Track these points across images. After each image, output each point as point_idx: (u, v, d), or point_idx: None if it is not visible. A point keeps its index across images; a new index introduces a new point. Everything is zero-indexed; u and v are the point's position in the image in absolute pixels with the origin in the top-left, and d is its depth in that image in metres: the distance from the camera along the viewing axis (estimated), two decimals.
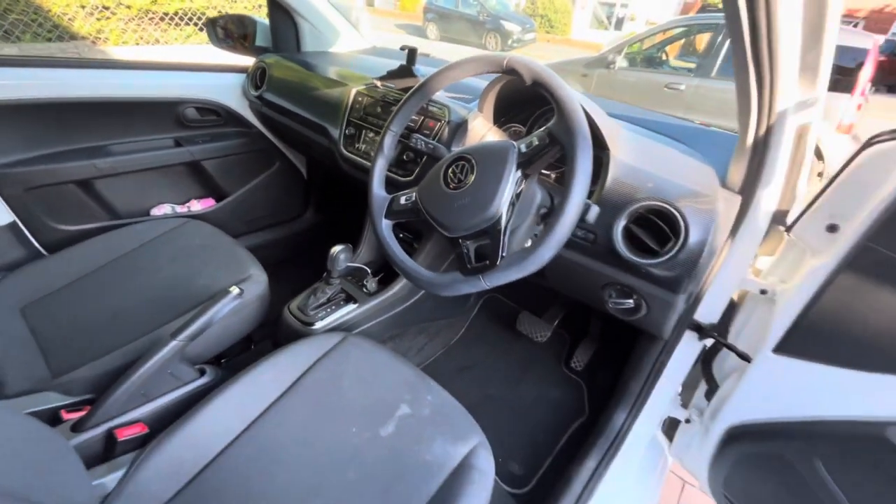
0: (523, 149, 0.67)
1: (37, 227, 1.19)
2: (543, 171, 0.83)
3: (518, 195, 0.68)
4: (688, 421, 0.98)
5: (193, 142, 1.40)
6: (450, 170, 0.71)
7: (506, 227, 0.65)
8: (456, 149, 0.84)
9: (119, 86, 1.23)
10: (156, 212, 1.41)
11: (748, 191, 0.72)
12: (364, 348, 0.88)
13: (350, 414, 0.77)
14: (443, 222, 0.69)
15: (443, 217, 0.69)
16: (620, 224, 0.72)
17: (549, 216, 0.72)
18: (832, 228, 0.67)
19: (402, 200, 0.78)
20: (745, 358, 0.79)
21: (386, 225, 0.80)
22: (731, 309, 0.85)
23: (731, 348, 0.82)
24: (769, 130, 0.66)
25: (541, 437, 1.19)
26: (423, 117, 0.97)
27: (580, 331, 1.45)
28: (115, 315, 0.92)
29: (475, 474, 0.72)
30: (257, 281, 1.00)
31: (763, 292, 0.78)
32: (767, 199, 0.72)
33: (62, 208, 1.22)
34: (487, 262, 0.66)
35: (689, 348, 0.90)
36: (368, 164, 0.97)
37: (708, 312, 0.85)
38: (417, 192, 0.76)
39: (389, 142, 0.83)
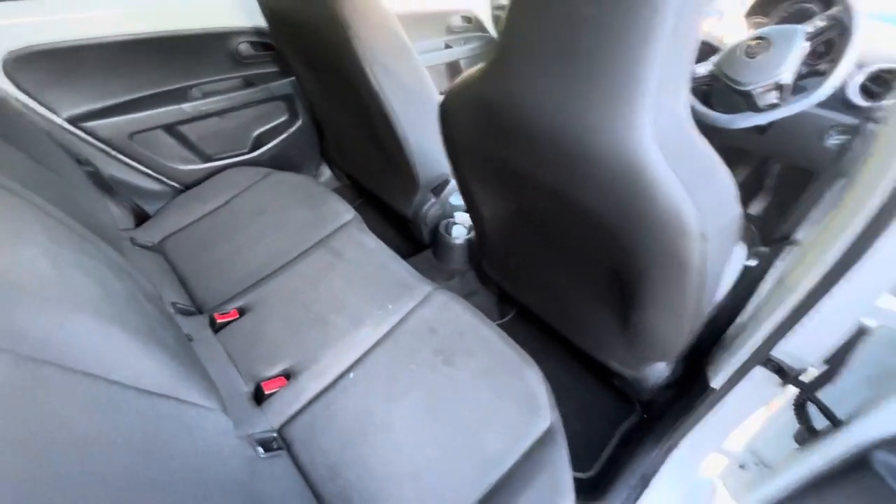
0: (810, 29, 0.99)
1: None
2: None
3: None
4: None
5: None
6: (749, 46, 1.03)
7: (787, 84, 1.00)
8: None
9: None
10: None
11: None
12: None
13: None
14: (739, 79, 1.03)
15: (741, 76, 1.03)
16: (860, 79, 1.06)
17: (806, 77, 1.06)
18: None
19: (700, 70, 1.12)
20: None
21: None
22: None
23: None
24: None
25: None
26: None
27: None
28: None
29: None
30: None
31: None
32: None
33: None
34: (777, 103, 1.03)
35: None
36: None
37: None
38: (717, 63, 1.09)
39: None
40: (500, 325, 1.27)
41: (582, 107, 0.47)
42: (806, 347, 0.64)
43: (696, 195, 0.47)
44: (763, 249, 0.75)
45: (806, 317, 0.61)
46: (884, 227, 0.49)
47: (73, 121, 1.05)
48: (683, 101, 0.48)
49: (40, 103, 1.00)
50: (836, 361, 0.66)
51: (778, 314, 0.63)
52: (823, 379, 0.69)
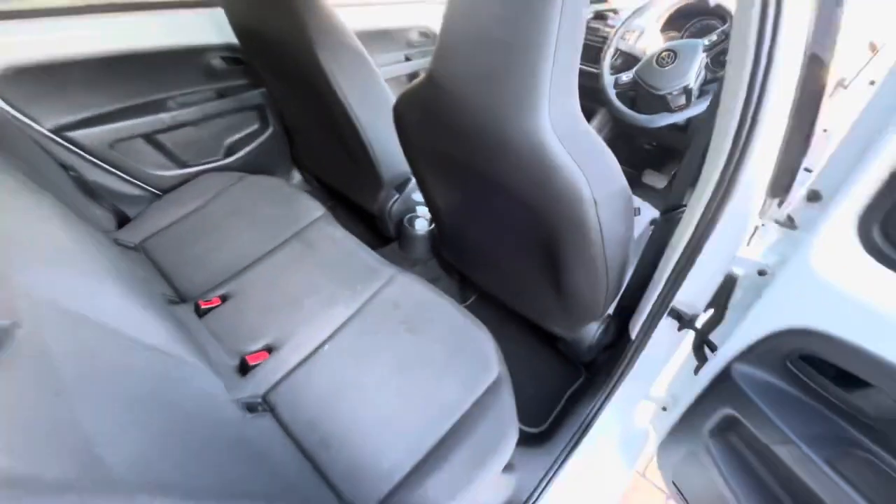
0: (707, 42, 1.20)
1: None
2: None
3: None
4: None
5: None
6: (660, 56, 1.25)
7: (692, 88, 1.21)
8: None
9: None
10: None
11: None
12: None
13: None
14: (655, 85, 1.25)
15: (656, 82, 1.25)
16: None
17: (711, 82, 1.25)
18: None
19: (624, 78, 1.35)
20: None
21: (613, 92, 1.38)
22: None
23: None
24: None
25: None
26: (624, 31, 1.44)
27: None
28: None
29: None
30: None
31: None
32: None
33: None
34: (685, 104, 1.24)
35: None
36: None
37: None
38: (637, 72, 1.31)
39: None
40: None
41: (499, 108, 0.62)
42: (693, 296, 0.80)
43: (585, 170, 0.62)
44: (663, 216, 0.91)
45: (690, 270, 0.77)
46: (729, 194, 0.66)
47: (57, 131, 1.13)
48: (573, 101, 0.63)
49: (26, 116, 1.08)
50: (719, 306, 0.83)
51: (670, 269, 0.79)
52: (713, 321, 0.85)
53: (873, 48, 0.70)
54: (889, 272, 0.52)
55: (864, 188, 0.52)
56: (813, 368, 0.61)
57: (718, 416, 0.72)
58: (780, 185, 0.65)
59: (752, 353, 0.66)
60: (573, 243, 0.72)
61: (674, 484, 0.91)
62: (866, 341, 0.52)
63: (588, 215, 0.65)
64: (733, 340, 0.69)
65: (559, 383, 1.26)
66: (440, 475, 0.76)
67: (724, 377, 0.70)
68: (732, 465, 0.72)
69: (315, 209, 1.26)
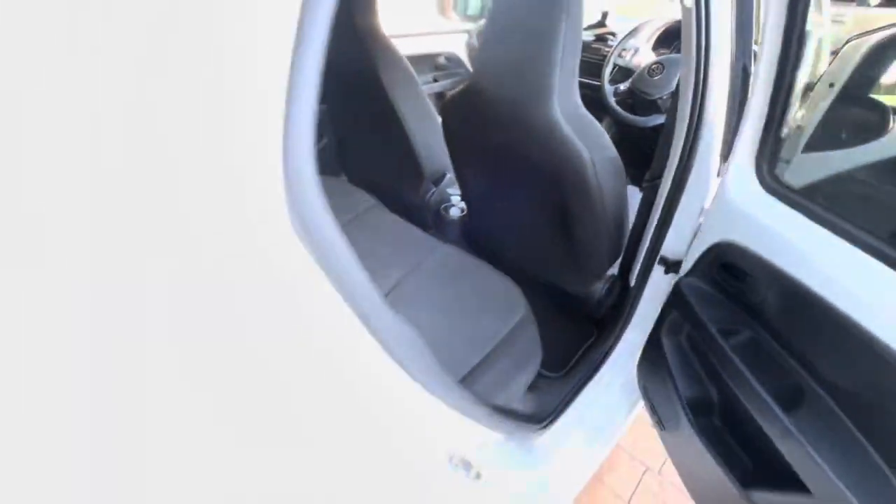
0: None
1: None
2: None
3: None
4: None
5: None
6: (650, 68, 1.58)
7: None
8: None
9: None
10: None
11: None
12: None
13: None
14: (648, 92, 1.56)
15: (648, 90, 1.56)
16: None
17: None
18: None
19: (621, 87, 1.69)
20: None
21: (613, 100, 1.71)
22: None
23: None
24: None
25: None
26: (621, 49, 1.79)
27: None
28: None
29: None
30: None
31: None
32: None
33: None
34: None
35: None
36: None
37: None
38: (633, 82, 1.64)
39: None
40: None
41: (523, 100, 0.89)
42: (675, 244, 1.04)
43: (584, 140, 0.88)
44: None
45: (670, 223, 1.01)
46: (690, 162, 0.91)
47: None
48: (575, 96, 0.90)
49: None
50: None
51: (655, 224, 1.04)
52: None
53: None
54: (772, 198, 0.76)
55: (750, 139, 0.77)
56: (728, 274, 0.85)
57: (669, 319, 0.96)
58: (728, 152, 0.91)
59: (695, 268, 0.90)
60: (578, 199, 0.98)
61: (644, 390, 1.13)
62: (758, 247, 0.76)
63: (588, 174, 0.91)
64: (686, 262, 0.94)
65: (575, 341, 1.49)
66: (484, 379, 1.00)
67: (675, 290, 0.94)
68: (675, 355, 0.95)
69: (368, 200, 1.54)
